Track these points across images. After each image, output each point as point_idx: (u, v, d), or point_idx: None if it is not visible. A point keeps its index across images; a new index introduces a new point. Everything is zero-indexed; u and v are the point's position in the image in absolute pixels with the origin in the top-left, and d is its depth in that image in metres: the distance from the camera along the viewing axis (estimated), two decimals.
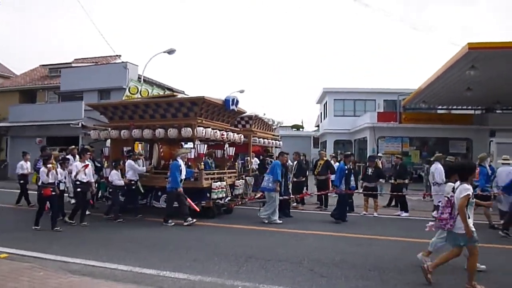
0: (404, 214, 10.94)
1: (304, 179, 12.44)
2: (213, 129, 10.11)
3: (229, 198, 10.40)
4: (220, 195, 9.90)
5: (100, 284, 4.75)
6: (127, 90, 18.14)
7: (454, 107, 25.19)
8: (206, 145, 10.13)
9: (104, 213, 9.80)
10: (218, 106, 10.33)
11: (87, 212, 9.39)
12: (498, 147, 18.65)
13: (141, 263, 5.69)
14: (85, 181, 8.79)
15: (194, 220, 8.74)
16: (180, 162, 8.97)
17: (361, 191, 11.54)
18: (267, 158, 12.66)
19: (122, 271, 5.40)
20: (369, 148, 24.56)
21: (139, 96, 18.75)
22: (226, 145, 11.49)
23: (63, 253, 6.19)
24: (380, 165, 15.79)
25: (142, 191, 9.95)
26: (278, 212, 9.31)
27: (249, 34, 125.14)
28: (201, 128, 9.59)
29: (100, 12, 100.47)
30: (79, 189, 8.76)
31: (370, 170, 11.33)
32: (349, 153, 11.26)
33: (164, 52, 19.35)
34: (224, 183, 10.14)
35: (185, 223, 8.64)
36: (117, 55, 27.31)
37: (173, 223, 8.71)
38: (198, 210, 8.98)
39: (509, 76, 16.27)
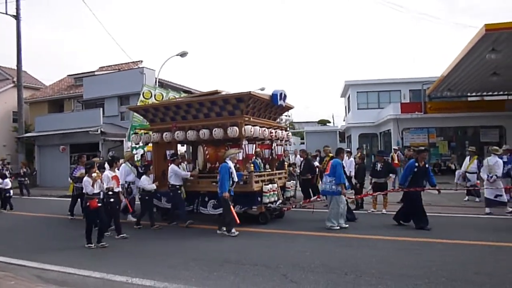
0: None
1: (311, 177, 12.10)
2: (261, 127, 9.36)
3: (280, 201, 9.54)
4: (272, 199, 9.09)
5: None
6: (141, 95, 18.48)
7: (485, 93, 23.79)
8: (254, 145, 9.47)
9: (150, 225, 9.05)
10: (264, 101, 9.59)
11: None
12: None
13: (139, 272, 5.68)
14: (117, 191, 8.02)
15: (237, 233, 7.83)
16: (230, 164, 8.17)
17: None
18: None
19: (95, 279, 5.41)
20: (393, 141, 23.64)
21: (154, 101, 19.10)
22: (274, 144, 10.77)
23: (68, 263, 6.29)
24: (396, 159, 15.21)
25: (184, 196, 9.31)
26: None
27: (266, 31, 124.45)
28: (249, 126, 8.84)
29: (115, 21, 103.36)
30: (112, 200, 7.84)
31: (379, 166, 10.84)
32: (423, 148, 9.83)
33: (177, 55, 19.51)
34: (276, 185, 9.38)
35: (227, 234, 7.84)
36: (138, 61, 28.04)
37: (237, 233, 7.82)
38: (239, 222, 7.98)
39: None
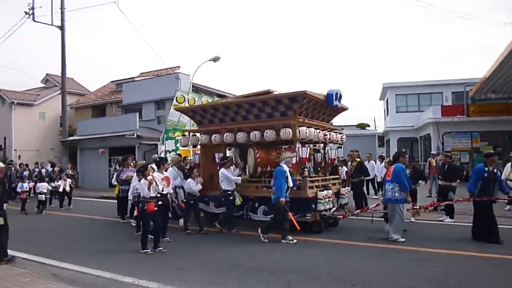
0: (448, 220, 9.76)
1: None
2: (315, 128, 8.88)
3: (334, 208, 8.97)
4: (327, 206, 8.49)
5: None
6: (174, 99, 18.96)
7: None
8: (308, 148, 9.04)
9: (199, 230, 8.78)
10: (319, 102, 9.04)
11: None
12: None
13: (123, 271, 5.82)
14: (165, 192, 7.73)
15: (295, 240, 7.46)
16: (286, 168, 7.74)
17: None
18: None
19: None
20: (433, 146, 22.63)
21: (187, 105, 19.53)
22: (328, 147, 10.30)
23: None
24: (434, 163, 14.50)
25: (239, 202, 8.88)
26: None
27: (303, 33, 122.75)
28: (304, 128, 8.37)
29: (153, 27, 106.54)
30: (160, 202, 7.37)
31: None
32: (491, 152, 9.00)
33: (209, 60, 19.81)
34: (331, 191, 8.76)
35: (283, 241, 7.45)
36: (176, 67, 28.79)
37: (295, 241, 7.42)
38: (299, 228, 7.65)
39: None
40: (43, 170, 17.76)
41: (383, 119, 34.03)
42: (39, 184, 12.98)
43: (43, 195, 12.86)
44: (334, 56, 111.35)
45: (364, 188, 12.61)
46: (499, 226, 7.53)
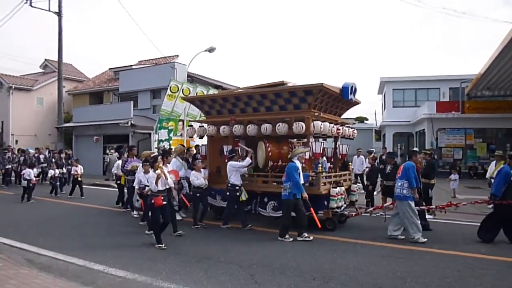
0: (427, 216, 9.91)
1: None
2: (330, 123, 8.65)
3: (345, 205, 8.71)
4: (340, 203, 8.28)
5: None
6: (168, 89, 19.02)
7: None
8: (322, 143, 8.75)
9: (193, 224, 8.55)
10: (333, 95, 8.75)
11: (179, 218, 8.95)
12: None
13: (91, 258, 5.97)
14: (168, 187, 7.32)
15: (311, 237, 7.29)
16: (298, 164, 7.49)
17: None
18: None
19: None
20: (427, 141, 22.70)
21: (181, 95, 19.58)
22: (339, 142, 10.01)
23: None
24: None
25: (244, 198, 8.53)
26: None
27: (299, 25, 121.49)
28: (319, 122, 8.11)
29: (151, 15, 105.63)
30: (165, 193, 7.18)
31: (388, 168, 10.45)
32: None
33: (205, 50, 19.80)
34: (343, 188, 8.58)
35: (299, 238, 7.26)
36: (174, 55, 28.77)
37: (291, 239, 7.27)
38: (320, 226, 7.52)
39: None
40: (41, 156, 17.95)
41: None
42: (28, 170, 13.01)
43: (26, 182, 12.62)
44: (335, 48, 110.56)
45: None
46: (470, 223, 7.80)
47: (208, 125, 9.69)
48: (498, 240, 7.27)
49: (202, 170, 8.75)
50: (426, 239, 7.20)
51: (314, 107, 8.32)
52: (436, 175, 10.35)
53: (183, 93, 19.52)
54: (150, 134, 19.77)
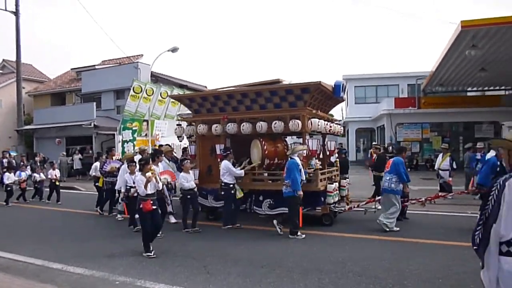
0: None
1: None
2: (325, 120, 8.81)
3: (337, 200, 8.85)
4: (336, 199, 8.58)
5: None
6: (131, 90, 18.99)
7: (485, 88, 23.50)
8: (318, 140, 8.80)
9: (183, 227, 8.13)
10: (327, 93, 8.83)
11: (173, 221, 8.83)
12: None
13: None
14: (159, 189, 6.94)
15: (304, 235, 7.30)
16: (298, 160, 7.58)
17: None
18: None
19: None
20: (386, 136, 23.71)
21: (145, 95, 19.60)
22: (327, 139, 10.01)
23: None
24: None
25: (239, 196, 8.45)
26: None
27: (262, 24, 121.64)
28: (316, 120, 8.24)
29: (114, 14, 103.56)
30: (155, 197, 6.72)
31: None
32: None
33: (168, 50, 19.85)
34: (337, 184, 8.83)
35: (291, 236, 7.30)
36: (139, 55, 28.55)
37: (304, 236, 7.26)
38: (301, 225, 7.57)
39: None
40: (5, 160, 17.36)
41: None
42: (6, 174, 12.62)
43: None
44: (298, 47, 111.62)
45: None
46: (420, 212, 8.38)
47: (198, 124, 9.31)
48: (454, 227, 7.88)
49: (191, 171, 8.40)
50: (398, 228, 7.66)
51: (309, 104, 8.42)
52: None
53: (146, 94, 19.55)
54: (114, 135, 19.64)
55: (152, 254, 6.18)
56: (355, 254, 6.08)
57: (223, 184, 8.30)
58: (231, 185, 8.29)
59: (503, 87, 22.94)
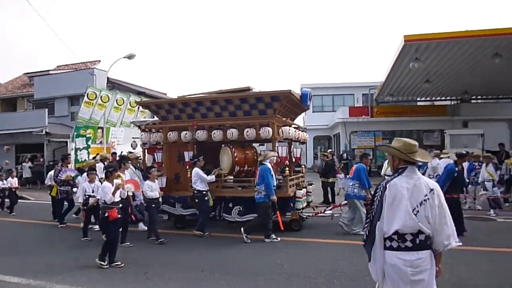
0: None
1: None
2: (294, 128, 9.05)
3: (304, 206, 8.97)
4: (304, 204, 8.77)
5: None
6: (85, 96, 18.64)
7: (434, 98, 24.90)
8: (287, 147, 9.01)
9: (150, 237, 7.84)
10: (294, 101, 8.99)
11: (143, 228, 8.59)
12: (451, 139, 18.56)
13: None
14: (124, 197, 6.92)
15: (279, 238, 7.48)
16: (270, 166, 7.71)
17: None
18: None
19: None
20: (341, 144, 24.56)
21: (100, 102, 19.29)
22: (293, 146, 10.07)
23: None
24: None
25: (211, 203, 8.42)
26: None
27: (216, 32, 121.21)
28: (287, 127, 8.49)
29: (69, 19, 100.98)
30: (120, 205, 6.48)
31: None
32: (463, 153, 9.24)
33: (124, 57, 19.62)
34: (305, 190, 8.99)
35: (267, 240, 7.43)
36: (96, 61, 28.00)
37: (279, 239, 7.46)
38: (283, 228, 7.74)
39: (458, 67, 16.11)
40: None
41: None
42: None
43: None
44: (258, 54, 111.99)
45: None
46: None
47: (166, 131, 9.13)
48: None
49: (156, 179, 8.18)
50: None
51: (279, 112, 8.56)
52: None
53: (101, 100, 19.30)
54: (67, 142, 19.13)
55: (105, 264, 5.96)
56: (294, 257, 6.36)
57: (196, 191, 8.22)
58: (204, 192, 8.22)
59: (448, 98, 24.46)
